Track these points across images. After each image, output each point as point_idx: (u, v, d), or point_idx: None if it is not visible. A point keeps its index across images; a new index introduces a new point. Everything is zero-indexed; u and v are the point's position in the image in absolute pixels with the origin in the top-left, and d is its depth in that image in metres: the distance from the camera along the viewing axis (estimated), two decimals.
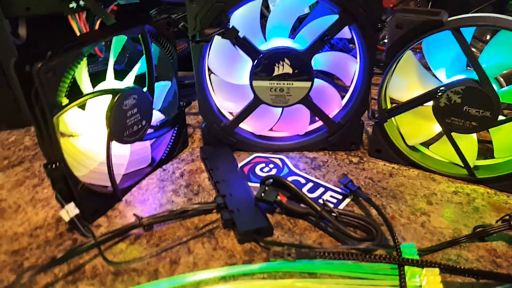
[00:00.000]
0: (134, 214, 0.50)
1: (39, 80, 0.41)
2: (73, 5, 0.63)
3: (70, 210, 0.48)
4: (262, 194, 0.52)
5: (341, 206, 0.54)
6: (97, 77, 0.55)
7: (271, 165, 0.64)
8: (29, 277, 0.43)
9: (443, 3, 0.95)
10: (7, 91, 0.73)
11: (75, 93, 0.48)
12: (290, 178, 0.60)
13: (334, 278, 0.43)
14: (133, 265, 0.46)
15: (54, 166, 0.45)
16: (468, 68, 0.53)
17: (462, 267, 0.40)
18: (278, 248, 0.45)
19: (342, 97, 0.64)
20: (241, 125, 0.66)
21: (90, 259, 0.47)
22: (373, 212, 0.53)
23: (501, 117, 0.52)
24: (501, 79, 0.63)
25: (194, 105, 0.85)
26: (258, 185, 0.55)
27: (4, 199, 0.58)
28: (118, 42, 0.53)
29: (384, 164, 0.63)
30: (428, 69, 0.56)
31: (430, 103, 0.56)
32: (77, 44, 0.46)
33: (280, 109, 0.65)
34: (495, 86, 0.51)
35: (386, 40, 0.55)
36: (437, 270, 0.39)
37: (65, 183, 0.48)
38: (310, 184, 0.59)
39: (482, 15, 0.49)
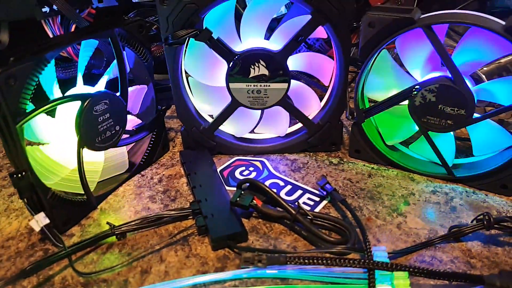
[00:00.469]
0: (107, 222, 0.49)
1: None
2: (46, 9, 0.62)
3: (40, 220, 0.47)
4: (238, 199, 0.52)
5: (318, 208, 0.53)
6: (73, 82, 0.54)
7: (251, 168, 0.63)
8: None
9: (430, 2, 0.94)
10: None
11: (44, 99, 0.47)
12: (269, 181, 0.59)
13: (305, 283, 0.42)
14: (103, 276, 0.45)
15: (20, 175, 0.44)
16: (442, 66, 0.52)
17: (432, 270, 0.39)
18: (248, 254, 0.44)
19: (322, 98, 0.64)
20: (221, 127, 0.65)
21: (60, 270, 0.46)
22: (349, 214, 0.52)
23: (476, 115, 0.52)
24: (483, 76, 0.62)
25: None
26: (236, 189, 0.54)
27: None
28: (87, 46, 0.53)
29: (364, 165, 0.62)
30: (404, 67, 0.56)
31: (406, 102, 0.55)
32: (43, 49, 0.45)
33: (260, 111, 0.64)
34: (469, 84, 0.50)
35: None
36: (406, 273, 0.38)
37: (34, 192, 0.47)
38: (288, 187, 0.58)
39: (452, 12, 0.48)
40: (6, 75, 0.41)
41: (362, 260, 0.40)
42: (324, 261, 0.40)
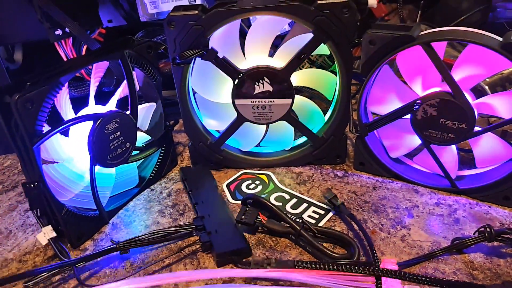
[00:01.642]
0: (111, 240, 0.50)
1: (17, 111, 0.43)
2: (59, 32, 0.65)
3: (47, 233, 0.49)
4: (243, 216, 0.53)
5: (323, 222, 0.55)
6: (85, 100, 0.57)
7: (257, 182, 0.65)
8: None
9: (433, 13, 0.95)
10: None
11: (59, 119, 0.50)
12: (274, 195, 0.61)
13: None
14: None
15: (32, 185, 0.47)
16: (443, 81, 0.53)
17: (440, 279, 0.40)
18: (258, 258, 0.47)
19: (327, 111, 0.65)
20: (228, 142, 0.67)
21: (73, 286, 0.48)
22: (355, 226, 0.53)
23: (477, 128, 0.53)
24: (486, 87, 0.63)
25: None
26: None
27: None
28: (98, 67, 0.55)
29: (368, 177, 0.63)
30: (405, 83, 0.57)
31: (409, 115, 0.56)
32: (57, 72, 0.48)
33: (265, 125, 0.65)
34: (469, 98, 0.52)
35: None
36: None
37: (49, 207, 0.49)
38: (294, 200, 0.59)
39: (451, 29, 0.50)
40: (24, 99, 0.43)
41: (371, 267, 0.41)
42: (332, 267, 0.42)
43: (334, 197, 0.55)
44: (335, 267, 0.42)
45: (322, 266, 0.42)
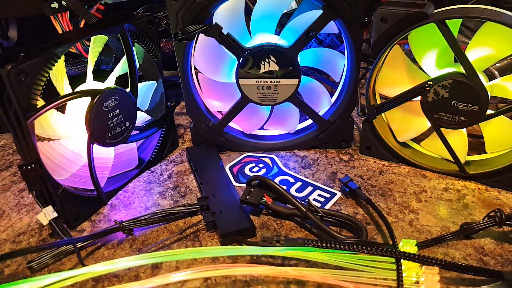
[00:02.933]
0: (115, 221, 0.49)
1: (10, 83, 0.40)
2: (55, 5, 0.62)
3: (48, 213, 0.47)
4: (247, 197, 0.51)
5: (329, 205, 0.53)
6: (83, 78, 0.54)
7: (261, 165, 0.63)
8: None
9: None
10: None
11: (54, 94, 0.47)
12: (279, 178, 0.59)
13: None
14: (114, 271, 0.45)
15: (29, 167, 0.45)
16: (456, 61, 0.52)
17: (460, 263, 0.39)
18: (267, 234, 0.46)
19: (333, 94, 0.63)
20: (230, 124, 0.65)
21: (71, 266, 0.46)
22: (361, 210, 0.52)
23: (489, 111, 0.51)
24: (495, 72, 0.61)
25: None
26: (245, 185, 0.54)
27: None
28: (97, 41, 0.53)
29: (375, 161, 0.61)
30: (416, 62, 0.55)
31: (419, 98, 0.54)
32: (53, 44, 0.45)
33: (269, 108, 0.63)
34: (483, 80, 0.50)
35: None
36: (436, 269, 0.38)
37: (45, 187, 0.48)
38: (298, 184, 0.58)
39: (467, 7, 0.48)
40: (17, 70, 0.41)
41: (389, 249, 0.39)
42: (346, 246, 0.40)
43: (350, 180, 0.53)
44: (351, 247, 0.40)
45: (337, 245, 0.40)
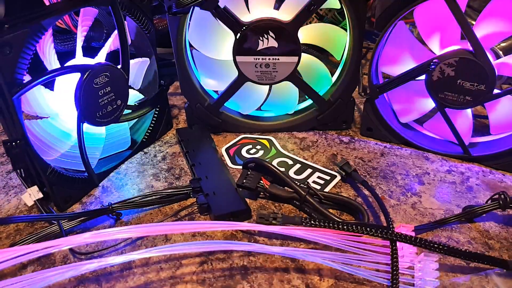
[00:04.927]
0: (101, 205, 0.47)
1: None
2: None
3: (33, 194, 0.45)
4: (244, 180, 0.50)
5: (328, 188, 0.51)
6: (72, 55, 0.52)
7: (258, 147, 0.61)
8: None
9: None
10: None
11: (42, 69, 0.45)
12: (277, 160, 0.57)
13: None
14: (105, 254, 0.43)
15: (14, 143, 0.42)
16: (462, 39, 0.49)
17: (454, 248, 0.37)
18: (264, 212, 0.45)
19: (333, 74, 0.61)
20: (227, 104, 0.63)
21: (62, 251, 0.44)
22: (361, 193, 0.50)
23: (496, 91, 0.49)
24: (499, 52, 0.59)
25: None
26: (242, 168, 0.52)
27: None
28: (87, 14, 0.50)
29: (376, 143, 0.60)
30: (421, 41, 0.53)
31: (423, 77, 0.52)
32: (40, 15, 0.42)
33: (267, 87, 0.61)
34: (490, 57, 0.48)
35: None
36: (436, 256, 0.37)
37: (32, 166, 0.45)
38: (297, 165, 0.56)
39: None
40: (1, 42, 0.38)
41: (385, 231, 0.37)
42: (343, 227, 0.38)
43: (346, 163, 0.52)
44: (347, 227, 0.38)
45: (333, 225, 0.39)
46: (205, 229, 0.43)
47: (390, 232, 0.38)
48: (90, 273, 0.41)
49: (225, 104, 0.62)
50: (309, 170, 0.55)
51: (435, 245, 0.37)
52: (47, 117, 0.48)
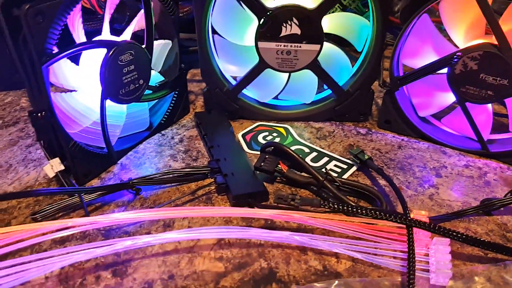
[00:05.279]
0: (121, 180, 0.48)
1: (27, 23, 0.38)
2: None
3: (55, 166, 0.46)
4: (262, 163, 0.50)
5: (345, 176, 0.51)
6: (96, 35, 0.52)
7: (275, 134, 0.61)
8: None
9: None
10: (3, 50, 0.70)
11: (68, 45, 0.45)
12: (293, 147, 0.57)
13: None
14: (125, 227, 0.43)
15: (40, 114, 0.43)
16: (487, 32, 0.49)
17: (472, 237, 0.38)
18: (282, 192, 0.45)
19: (352, 66, 0.61)
20: (245, 91, 0.63)
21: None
22: (378, 183, 0.50)
23: None
24: None
25: (197, 72, 0.82)
26: (259, 153, 0.52)
27: None
28: None
29: (393, 136, 0.60)
30: (444, 35, 0.53)
31: (445, 70, 0.52)
32: None
33: (287, 75, 0.61)
34: None
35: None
36: (447, 240, 0.37)
37: (55, 138, 0.46)
38: (314, 154, 0.56)
39: None
40: (35, 11, 0.38)
41: (402, 216, 0.38)
42: (361, 211, 0.39)
43: (361, 152, 0.52)
44: (365, 212, 0.39)
45: (351, 209, 0.39)
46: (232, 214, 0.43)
47: (407, 217, 0.38)
48: None
49: (243, 91, 0.62)
50: (325, 159, 0.55)
51: (453, 233, 0.37)
52: (72, 91, 0.49)
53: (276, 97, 0.65)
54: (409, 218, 0.38)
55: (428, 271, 0.37)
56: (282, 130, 0.62)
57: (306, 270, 0.39)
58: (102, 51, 0.47)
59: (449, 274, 0.36)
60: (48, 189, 0.46)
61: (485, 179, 0.51)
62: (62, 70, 0.47)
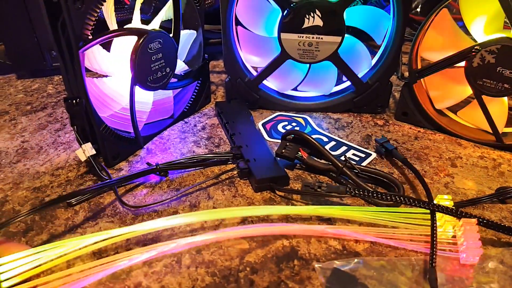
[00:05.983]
0: (147, 163, 0.50)
1: (67, 9, 0.40)
2: None
3: (87, 150, 0.48)
4: (283, 150, 0.52)
5: (364, 164, 0.53)
6: (123, 25, 0.54)
7: (294, 124, 0.63)
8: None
9: None
10: (32, 39, 0.73)
11: (100, 32, 0.47)
12: (312, 137, 0.59)
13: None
14: (153, 207, 0.46)
15: (75, 101, 0.45)
16: (505, 27, 0.51)
17: (495, 222, 0.39)
18: (309, 179, 0.47)
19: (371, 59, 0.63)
20: (265, 82, 0.65)
21: (111, 200, 0.47)
22: (395, 171, 0.52)
23: None
24: None
25: (218, 64, 0.84)
26: (279, 141, 0.54)
27: (27, 141, 0.59)
28: None
29: (410, 128, 0.61)
30: (463, 29, 0.54)
31: (462, 64, 0.54)
32: None
33: (307, 67, 0.63)
34: None
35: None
36: (474, 220, 0.38)
37: (88, 122, 0.48)
38: (332, 143, 0.58)
39: None
40: None
41: (426, 202, 0.39)
42: (386, 197, 0.41)
43: (387, 141, 0.54)
44: (389, 197, 0.40)
45: (376, 195, 0.41)
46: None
47: (430, 203, 0.40)
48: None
49: (263, 82, 0.64)
50: (344, 147, 0.57)
51: (474, 217, 0.39)
52: (104, 76, 0.51)
53: (295, 89, 0.67)
54: (433, 203, 0.40)
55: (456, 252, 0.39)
56: (301, 120, 0.64)
57: (326, 249, 0.40)
58: (133, 39, 0.50)
59: (480, 251, 0.38)
60: (92, 187, 0.46)
61: (499, 170, 0.52)
62: (95, 56, 0.49)
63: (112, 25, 0.50)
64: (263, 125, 0.62)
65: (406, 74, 0.58)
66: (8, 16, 0.71)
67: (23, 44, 0.74)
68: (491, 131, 0.56)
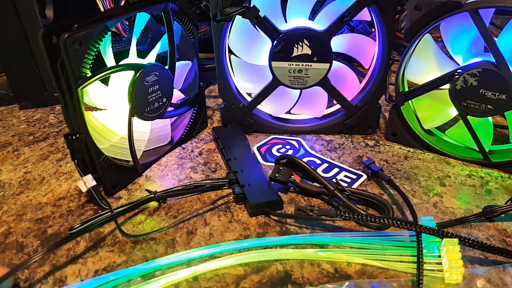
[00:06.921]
0: (146, 189, 0.52)
1: (66, 50, 0.43)
2: None
3: (88, 181, 0.49)
4: (277, 174, 0.54)
5: (355, 186, 0.55)
6: (120, 56, 0.57)
7: (288, 146, 0.65)
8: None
9: None
10: (33, 70, 0.76)
11: (98, 68, 0.50)
12: (305, 159, 0.61)
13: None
14: (152, 235, 0.47)
15: (75, 137, 0.47)
16: (485, 52, 0.53)
17: (479, 242, 0.41)
18: (302, 204, 0.49)
19: (360, 82, 0.65)
20: (259, 106, 0.67)
21: (111, 229, 0.48)
22: (386, 192, 0.54)
23: None
24: None
25: (214, 88, 0.87)
26: (273, 164, 0.56)
27: (29, 172, 0.61)
28: (141, 18, 0.55)
29: (400, 148, 0.63)
30: (446, 53, 0.56)
31: (447, 86, 0.56)
32: (102, 18, 0.48)
33: (298, 91, 0.65)
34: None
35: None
36: (456, 240, 0.40)
37: (88, 154, 0.50)
38: (325, 165, 0.60)
39: None
40: (73, 39, 0.43)
41: (412, 223, 0.41)
42: (374, 219, 0.42)
43: (372, 163, 0.55)
44: (377, 220, 0.42)
45: (364, 217, 0.43)
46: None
47: (416, 224, 0.41)
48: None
49: (257, 107, 0.66)
50: (336, 169, 0.59)
51: (459, 238, 0.40)
52: (101, 110, 0.54)
53: (288, 112, 0.69)
54: (418, 224, 0.41)
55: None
56: (294, 143, 0.66)
57: (319, 272, 0.42)
58: (130, 73, 0.52)
59: (462, 270, 0.39)
60: (96, 224, 0.47)
61: (486, 188, 0.54)
62: (94, 91, 0.51)
63: (110, 61, 0.53)
64: (258, 148, 0.64)
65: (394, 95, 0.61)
66: (10, 48, 0.74)
67: (25, 75, 0.76)
68: (478, 150, 0.58)
